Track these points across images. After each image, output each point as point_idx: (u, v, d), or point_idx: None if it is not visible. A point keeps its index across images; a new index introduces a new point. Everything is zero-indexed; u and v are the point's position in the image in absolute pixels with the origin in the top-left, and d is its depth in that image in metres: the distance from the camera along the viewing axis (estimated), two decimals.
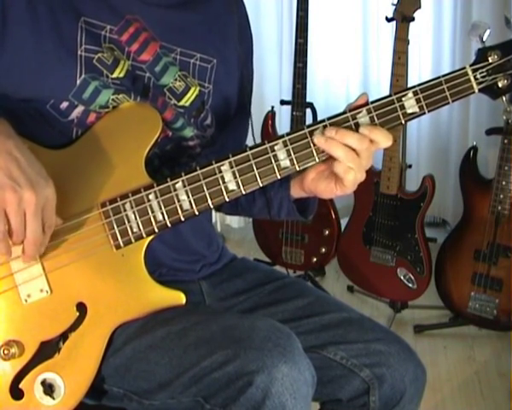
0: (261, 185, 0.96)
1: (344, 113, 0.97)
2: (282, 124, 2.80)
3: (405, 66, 2.11)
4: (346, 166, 0.95)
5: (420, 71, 2.81)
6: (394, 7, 2.08)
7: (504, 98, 0.99)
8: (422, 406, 1.13)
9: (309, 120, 2.40)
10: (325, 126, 0.96)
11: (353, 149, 0.95)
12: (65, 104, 0.98)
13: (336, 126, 0.96)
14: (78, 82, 0.97)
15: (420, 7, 2.07)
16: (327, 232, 2.44)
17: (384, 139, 0.96)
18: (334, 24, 2.89)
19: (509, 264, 2.13)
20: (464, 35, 2.70)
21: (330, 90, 2.99)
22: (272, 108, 2.46)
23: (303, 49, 2.29)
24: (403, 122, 0.97)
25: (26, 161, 0.86)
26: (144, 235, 0.97)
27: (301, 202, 1.12)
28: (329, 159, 0.98)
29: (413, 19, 2.08)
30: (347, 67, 2.95)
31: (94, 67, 0.98)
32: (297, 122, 2.36)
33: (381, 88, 2.86)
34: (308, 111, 2.39)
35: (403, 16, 2.07)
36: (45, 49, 0.96)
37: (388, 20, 2.13)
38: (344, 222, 2.43)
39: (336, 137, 0.94)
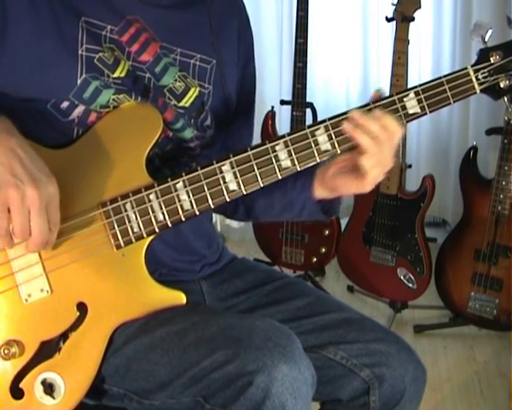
0: (262, 186, 0.96)
1: (346, 113, 0.96)
2: (282, 124, 2.80)
3: (405, 66, 2.11)
4: (372, 161, 0.95)
5: (420, 71, 2.81)
6: (394, 7, 2.08)
7: (506, 99, 0.99)
8: (422, 406, 1.13)
9: (309, 119, 2.40)
10: (326, 126, 0.96)
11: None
12: (65, 104, 0.98)
13: (360, 112, 0.95)
14: (79, 81, 0.97)
15: (420, 7, 2.07)
16: (327, 232, 2.44)
17: (393, 122, 0.94)
18: (334, 24, 2.89)
19: (509, 264, 2.13)
20: (464, 35, 2.70)
21: (330, 90, 2.99)
22: (272, 107, 2.46)
23: (303, 49, 2.29)
24: (404, 122, 0.98)
25: (29, 159, 0.87)
26: (145, 235, 0.96)
27: (325, 202, 1.10)
28: (354, 153, 0.97)
29: (413, 19, 2.08)
30: (347, 67, 2.95)
31: (95, 67, 0.98)
32: (297, 122, 2.36)
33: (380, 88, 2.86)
34: (308, 111, 2.39)
35: (403, 16, 2.07)
36: (46, 48, 0.96)
37: (388, 20, 2.13)
38: (344, 222, 2.43)
39: (360, 121, 0.94)
